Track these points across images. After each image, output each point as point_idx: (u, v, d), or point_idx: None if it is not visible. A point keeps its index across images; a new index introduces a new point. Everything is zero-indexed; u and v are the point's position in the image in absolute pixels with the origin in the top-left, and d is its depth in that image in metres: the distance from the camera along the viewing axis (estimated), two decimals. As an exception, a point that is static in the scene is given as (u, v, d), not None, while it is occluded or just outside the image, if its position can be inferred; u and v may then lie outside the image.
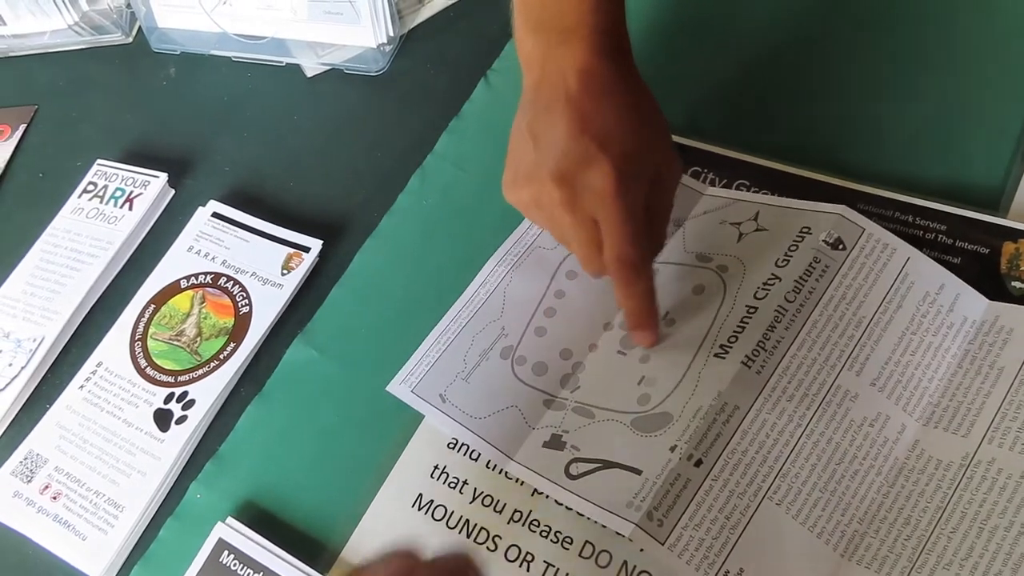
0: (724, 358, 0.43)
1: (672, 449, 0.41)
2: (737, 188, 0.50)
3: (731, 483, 0.40)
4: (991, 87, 0.51)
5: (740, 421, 0.41)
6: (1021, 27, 0.52)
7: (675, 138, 0.52)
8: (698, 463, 0.41)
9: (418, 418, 0.47)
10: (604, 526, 0.40)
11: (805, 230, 0.46)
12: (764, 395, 0.42)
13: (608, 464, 0.42)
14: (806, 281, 0.44)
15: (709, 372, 0.43)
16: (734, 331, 0.44)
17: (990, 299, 0.43)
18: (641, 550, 0.40)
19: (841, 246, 0.45)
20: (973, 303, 0.43)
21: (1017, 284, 0.44)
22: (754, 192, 0.50)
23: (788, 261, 0.45)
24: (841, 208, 0.46)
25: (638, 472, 0.41)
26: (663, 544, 0.39)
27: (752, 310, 0.44)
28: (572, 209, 0.42)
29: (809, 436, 0.41)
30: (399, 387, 0.48)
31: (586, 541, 0.42)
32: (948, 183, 0.48)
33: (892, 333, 0.43)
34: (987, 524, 0.36)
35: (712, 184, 0.51)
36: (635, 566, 0.41)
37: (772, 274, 0.45)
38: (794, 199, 0.48)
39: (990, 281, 0.44)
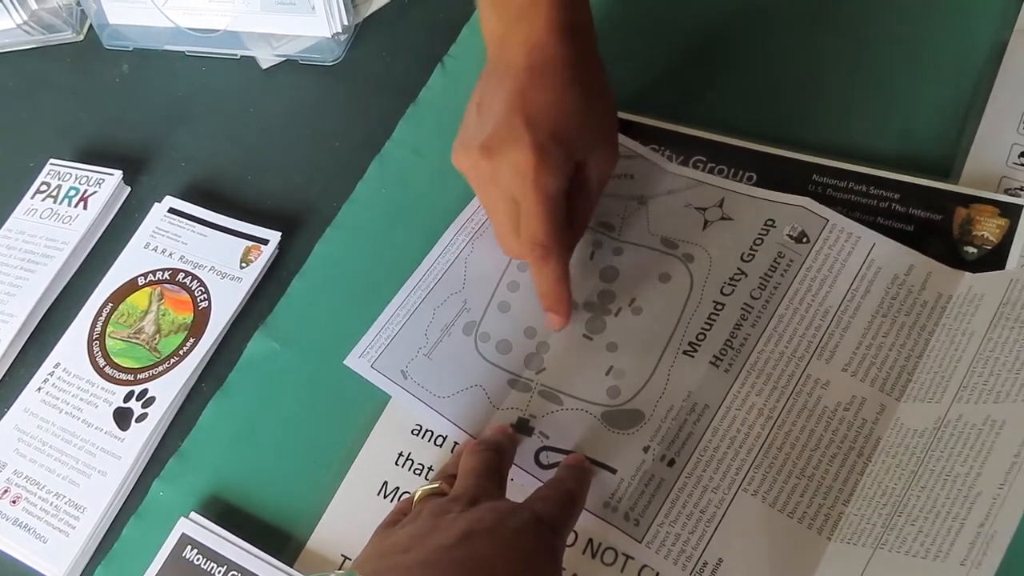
0: (693, 357, 0.44)
1: (645, 450, 0.42)
2: (694, 165, 0.50)
3: (704, 479, 0.41)
4: (940, 58, 0.51)
5: (711, 419, 0.42)
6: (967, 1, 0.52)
7: (629, 115, 0.52)
8: (671, 463, 0.41)
9: (381, 406, 0.47)
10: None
11: (769, 223, 0.46)
12: (733, 392, 0.42)
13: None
14: (771, 277, 0.45)
15: (678, 371, 0.43)
16: (702, 328, 0.44)
17: (947, 265, 0.44)
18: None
19: (805, 239, 0.45)
20: (948, 278, 0.43)
21: (969, 249, 0.44)
22: (712, 169, 0.50)
23: (753, 256, 0.46)
24: (804, 200, 0.46)
25: (613, 471, 0.41)
26: (640, 542, 0.40)
27: (719, 307, 0.45)
28: (495, 182, 0.42)
29: (781, 427, 0.41)
30: (357, 361, 0.47)
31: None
32: (901, 153, 0.48)
33: (861, 319, 0.43)
34: (951, 475, 0.36)
35: (670, 160, 0.51)
36: (600, 543, 0.41)
37: (738, 268, 0.45)
38: (759, 188, 0.48)
39: (944, 246, 0.45)
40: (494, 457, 0.40)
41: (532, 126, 0.40)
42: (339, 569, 0.42)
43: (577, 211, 0.44)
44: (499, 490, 0.39)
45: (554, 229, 0.42)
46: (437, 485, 0.39)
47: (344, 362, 0.48)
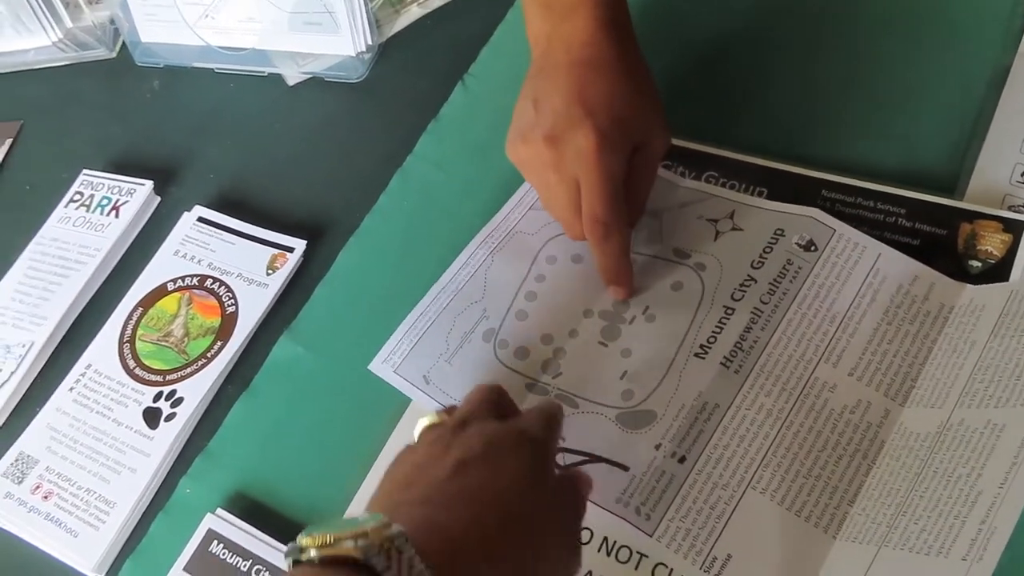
0: (704, 358, 0.45)
1: (657, 447, 0.43)
2: (706, 180, 0.52)
3: (714, 476, 0.42)
4: (945, 78, 0.53)
5: (721, 418, 0.43)
6: (971, 19, 0.54)
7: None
8: (682, 460, 0.43)
9: (401, 408, 0.48)
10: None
11: (779, 232, 0.48)
12: (743, 393, 0.44)
13: (596, 458, 0.44)
14: (780, 283, 0.46)
15: (690, 372, 0.45)
16: (712, 331, 0.46)
17: (952, 278, 0.45)
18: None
19: (813, 247, 0.47)
20: (950, 290, 0.45)
21: (974, 263, 0.46)
22: (724, 184, 0.52)
23: (763, 263, 0.47)
24: (813, 211, 0.48)
25: (625, 469, 0.43)
26: (651, 536, 0.41)
27: (729, 311, 0.46)
28: (557, 168, 0.45)
29: (789, 427, 0.42)
30: (381, 366, 0.49)
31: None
32: (907, 169, 0.50)
33: (867, 325, 0.44)
34: (953, 475, 0.38)
35: (683, 177, 0.53)
36: (615, 541, 0.42)
37: (748, 275, 0.47)
38: (768, 200, 0.50)
39: (949, 261, 0.46)
40: (494, 395, 0.42)
41: (592, 113, 0.44)
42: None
43: (637, 190, 0.48)
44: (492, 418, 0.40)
45: (614, 206, 0.45)
46: (438, 419, 0.40)
47: (368, 367, 0.49)
